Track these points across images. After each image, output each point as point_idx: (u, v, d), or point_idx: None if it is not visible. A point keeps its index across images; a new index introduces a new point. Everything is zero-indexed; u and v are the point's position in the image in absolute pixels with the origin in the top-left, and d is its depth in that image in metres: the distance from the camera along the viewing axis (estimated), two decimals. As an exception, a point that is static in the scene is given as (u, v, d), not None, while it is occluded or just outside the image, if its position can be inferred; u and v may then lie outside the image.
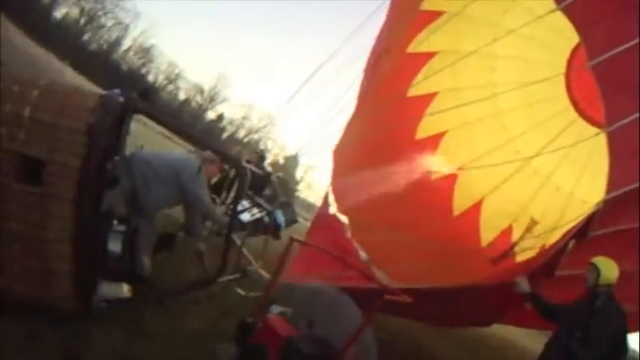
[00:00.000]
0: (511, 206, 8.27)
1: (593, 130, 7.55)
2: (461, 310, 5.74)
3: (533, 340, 10.53)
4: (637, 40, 4.49)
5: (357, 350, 3.55)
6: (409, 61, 7.76)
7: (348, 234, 7.69)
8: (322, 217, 7.86)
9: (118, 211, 4.65)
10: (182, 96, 55.41)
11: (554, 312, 4.54)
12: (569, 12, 5.44)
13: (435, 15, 7.51)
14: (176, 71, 56.95)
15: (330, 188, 7.89)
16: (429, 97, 7.98)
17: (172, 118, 4.95)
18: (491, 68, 8.14)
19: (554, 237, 6.42)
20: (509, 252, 7.50)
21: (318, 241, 7.38)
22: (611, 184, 4.82)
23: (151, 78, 54.50)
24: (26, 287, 3.57)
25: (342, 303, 3.89)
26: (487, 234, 8.25)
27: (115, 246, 4.64)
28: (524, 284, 4.68)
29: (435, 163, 8.26)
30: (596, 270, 4.15)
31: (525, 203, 8.29)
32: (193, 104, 54.94)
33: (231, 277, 5.23)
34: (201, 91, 57.39)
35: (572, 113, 8.18)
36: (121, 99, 3.70)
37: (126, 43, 54.39)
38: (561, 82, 8.07)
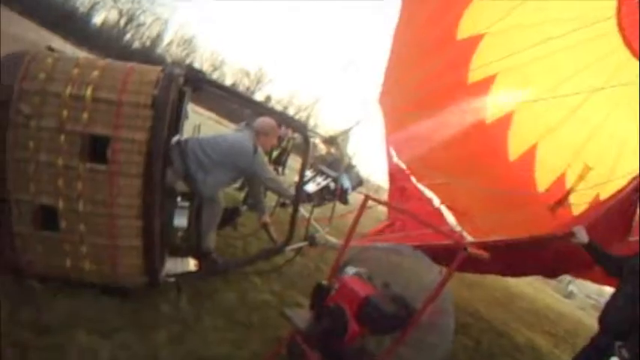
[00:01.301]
0: (565, 151, 8.06)
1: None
2: (527, 260, 5.65)
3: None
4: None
5: (435, 308, 3.44)
6: (454, 2, 7.57)
7: (414, 180, 7.77)
8: (389, 169, 8.05)
9: (179, 188, 4.68)
10: (229, 81, 55.41)
11: (616, 264, 4.22)
12: None
13: None
14: (220, 58, 58.13)
15: (389, 139, 7.91)
16: (477, 39, 7.73)
17: (232, 89, 4.96)
18: (539, 7, 7.66)
19: (610, 186, 6.35)
20: (564, 199, 7.37)
21: (392, 195, 7.54)
22: None
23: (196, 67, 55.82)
24: (95, 265, 3.61)
25: (418, 260, 3.78)
26: (543, 179, 8.12)
27: (181, 221, 4.69)
28: (582, 234, 4.37)
29: (489, 107, 8.15)
30: None
31: (578, 149, 8.05)
32: (241, 87, 54.78)
33: (300, 244, 5.14)
34: (248, 74, 58.15)
35: (625, 53, 7.72)
36: (182, 71, 3.66)
37: (168, 37, 55.48)
38: (612, 20, 7.61)
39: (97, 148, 3.37)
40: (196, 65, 5.34)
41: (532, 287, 17.77)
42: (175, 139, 4.34)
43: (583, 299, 27.41)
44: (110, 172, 3.35)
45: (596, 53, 7.90)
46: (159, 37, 54.63)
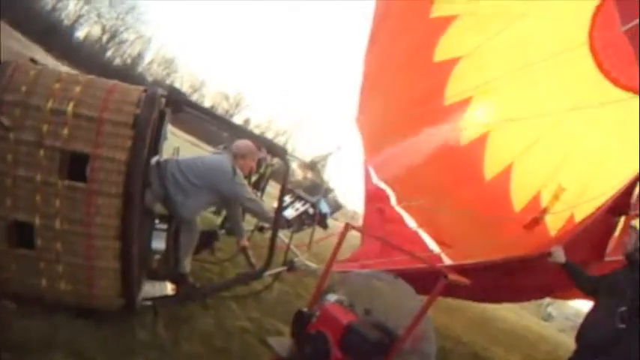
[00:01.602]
0: (540, 171, 8.14)
1: (620, 93, 7.60)
2: (502, 284, 5.72)
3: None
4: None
5: (417, 335, 3.45)
6: (431, 26, 7.66)
7: (393, 201, 7.79)
8: (367, 190, 8.04)
9: (157, 210, 4.61)
10: (208, 103, 55.71)
11: (593, 283, 4.23)
12: None
13: None
14: (200, 80, 58.17)
15: (367, 160, 8.00)
16: (453, 62, 7.85)
17: (212, 112, 4.90)
18: (518, 28, 7.85)
19: (584, 206, 6.47)
20: (540, 218, 7.52)
21: (369, 216, 7.54)
22: None
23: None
24: (71, 285, 3.53)
25: (398, 287, 3.79)
26: (518, 199, 8.17)
27: (158, 244, 4.66)
28: (559, 254, 4.43)
29: (465, 128, 8.22)
30: (637, 233, 3.82)
31: (553, 169, 8.11)
32: (220, 110, 54.85)
33: (278, 269, 5.15)
34: (227, 97, 59.07)
35: (597, 75, 7.91)
36: (164, 92, 3.66)
37: (149, 56, 55.84)
38: (585, 41, 7.83)
39: (76, 166, 3.32)
40: (176, 86, 5.31)
41: (509, 310, 17.94)
42: (154, 159, 4.29)
43: (562, 321, 27.79)
44: (89, 190, 3.31)
45: (569, 76, 8.05)
46: (140, 55, 54.91)
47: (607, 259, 5.23)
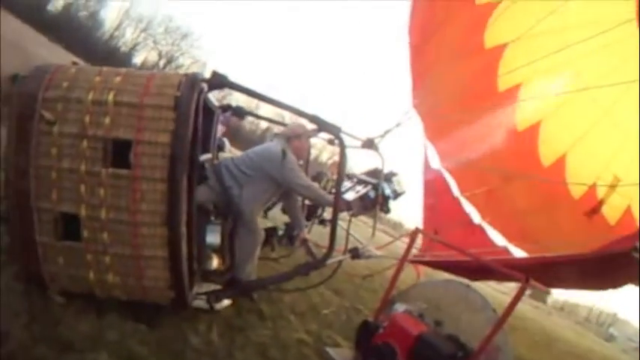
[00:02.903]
0: (594, 162, 7.82)
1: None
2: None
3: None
4: None
5: (492, 346, 3.27)
6: (477, 12, 7.46)
7: (456, 192, 7.69)
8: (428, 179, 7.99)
9: (208, 206, 4.59)
10: (263, 126, 56.67)
11: None
12: None
13: None
14: (255, 102, 58.74)
15: (429, 144, 7.93)
16: (501, 49, 7.68)
17: (257, 92, 4.77)
18: (560, 12, 7.45)
19: None
20: (598, 209, 7.25)
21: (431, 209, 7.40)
22: None
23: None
24: (119, 277, 3.47)
25: (470, 299, 3.61)
26: (575, 189, 7.82)
27: (213, 238, 4.55)
28: None
29: (518, 115, 8.03)
30: None
31: (608, 158, 7.79)
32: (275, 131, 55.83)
33: (341, 257, 4.90)
34: (282, 117, 59.28)
35: None
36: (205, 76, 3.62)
37: None
38: (634, 20, 7.19)
39: (120, 154, 3.29)
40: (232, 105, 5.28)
41: (571, 330, 17.38)
42: (205, 157, 4.26)
43: (624, 341, 26.85)
44: (133, 176, 3.26)
45: (619, 56, 7.66)
46: None
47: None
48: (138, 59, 49.83)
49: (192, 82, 3.42)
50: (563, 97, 7.70)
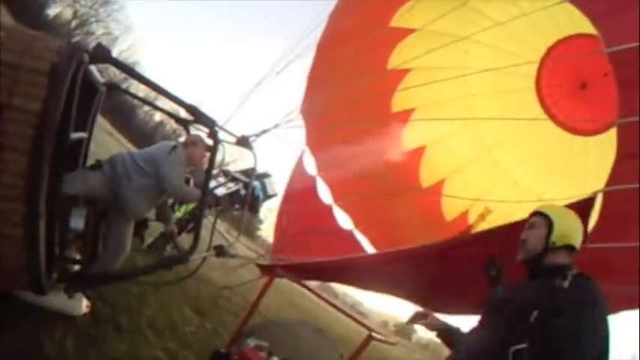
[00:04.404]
0: (470, 191, 8.32)
1: (557, 129, 8.11)
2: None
3: None
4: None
5: None
6: (389, 33, 7.82)
7: (327, 200, 8.02)
8: (297, 180, 8.05)
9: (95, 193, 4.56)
10: (157, 118, 54.69)
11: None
12: (580, 4, 5.49)
13: None
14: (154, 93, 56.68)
15: (308, 151, 8.05)
16: (403, 72, 8.05)
17: (135, 71, 4.61)
18: (466, 51, 8.19)
19: None
20: (467, 232, 7.73)
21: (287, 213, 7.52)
22: (613, 179, 4.62)
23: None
24: None
25: (320, 339, 3.79)
26: (449, 212, 8.46)
27: (76, 223, 4.45)
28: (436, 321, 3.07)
29: (405, 137, 8.44)
30: (547, 222, 2.90)
31: (483, 191, 8.40)
32: (168, 127, 53.28)
33: (205, 254, 4.92)
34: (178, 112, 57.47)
35: (537, 108, 8.31)
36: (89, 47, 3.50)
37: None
38: (532, 76, 8.23)
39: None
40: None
41: None
42: (78, 135, 4.18)
43: None
44: (-1, 143, 3.05)
45: (511, 103, 8.43)
46: None
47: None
48: (52, 11, 47.04)
49: (74, 50, 3.30)
50: (452, 128, 8.27)
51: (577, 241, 2.88)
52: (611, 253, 4.65)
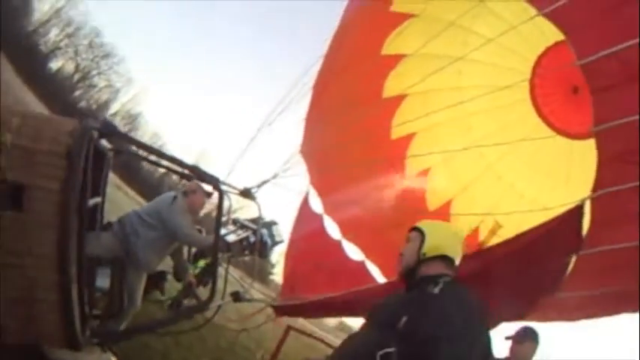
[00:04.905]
0: (477, 208, 8.45)
1: (557, 137, 8.23)
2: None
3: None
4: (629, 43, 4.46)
5: None
6: (381, 62, 7.95)
7: (336, 235, 8.09)
8: (303, 220, 8.10)
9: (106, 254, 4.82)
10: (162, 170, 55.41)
11: None
12: (552, 16, 5.54)
13: (405, 17, 7.71)
14: (160, 142, 57.48)
15: (313, 191, 8.17)
16: (400, 98, 8.20)
17: (143, 143, 4.94)
18: (459, 71, 8.34)
19: None
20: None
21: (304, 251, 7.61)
22: (597, 185, 4.78)
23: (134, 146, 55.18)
24: (13, 321, 3.56)
25: None
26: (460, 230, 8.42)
27: (103, 282, 4.77)
28: None
29: (409, 164, 8.58)
30: (420, 236, 3.10)
31: (490, 207, 8.43)
32: (174, 177, 54.66)
33: (222, 302, 5.15)
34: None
35: (535, 118, 8.53)
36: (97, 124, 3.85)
37: (114, 107, 55.41)
38: (526, 87, 8.39)
39: (15, 195, 3.43)
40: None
41: None
42: (94, 200, 4.47)
43: None
44: (25, 220, 3.43)
45: (509, 117, 8.62)
46: (106, 104, 54.39)
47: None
48: (54, 64, 47.97)
49: (85, 130, 3.65)
50: (453, 149, 8.32)
51: (451, 250, 3.06)
52: (606, 256, 4.86)
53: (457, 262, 3.09)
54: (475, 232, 8.21)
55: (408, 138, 8.48)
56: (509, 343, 5.64)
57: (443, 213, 8.59)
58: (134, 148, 4.42)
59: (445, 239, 3.10)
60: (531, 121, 8.49)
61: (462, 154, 8.22)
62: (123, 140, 4.04)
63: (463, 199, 8.78)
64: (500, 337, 5.61)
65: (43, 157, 3.48)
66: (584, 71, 4.86)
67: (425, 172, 8.77)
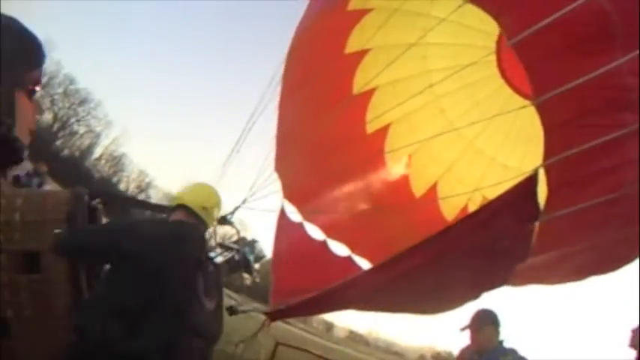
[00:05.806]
0: (463, 187, 8.73)
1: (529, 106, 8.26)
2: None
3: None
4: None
5: None
6: (347, 61, 8.16)
7: (319, 236, 8.40)
8: (283, 231, 8.27)
9: None
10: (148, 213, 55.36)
11: None
12: (480, 2, 5.89)
13: (363, 12, 7.85)
14: (147, 180, 59.28)
15: (288, 202, 8.34)
16: (369, 94, 8.45)
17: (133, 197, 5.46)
18: (424, 56, 8.60)
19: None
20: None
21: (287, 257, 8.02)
22: (547, 153, 5.05)
23: (122, 186, 58.03)
24: None
25: None
26: (448, 213, 8.70)
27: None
28: None
29: (387, 152, 8.83)
30: None
31: (476, 183, 8.71)
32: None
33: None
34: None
35: (507, 90, 8.69)
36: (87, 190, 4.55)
37: (97, 151, 56.96)
38: (493, 62, 8.58)
39: (32, 262, 4.09)
40: (122, 185, 5.92)
41: None
42: None
43: None
44: (44, 280, 4.07)
45: (481, 93, 8.92)
46: (89, 149, 55.57)
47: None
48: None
49: (78, 196, 4.36)
50: (432, 132, 8.61)
51: (189, 200, 4.39)
52: (561, 222, 5.14)
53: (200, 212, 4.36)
54: (464, 209, 8.57)
55: (384, 130, 8.75)
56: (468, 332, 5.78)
57: (430, 198, 8.92)
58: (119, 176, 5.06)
59: (186, 193, 4.49)
60: (504, 94, 8.71)
61: (440, 137, 8.55)
62: (110, 200, 4.72)
63: (448, 180, 9.08)
64: (456, 327, 5.91)
65: (49, 226, 4.09)
66: (515, 50, 5.11)
67: (406, 160, 9.07)
